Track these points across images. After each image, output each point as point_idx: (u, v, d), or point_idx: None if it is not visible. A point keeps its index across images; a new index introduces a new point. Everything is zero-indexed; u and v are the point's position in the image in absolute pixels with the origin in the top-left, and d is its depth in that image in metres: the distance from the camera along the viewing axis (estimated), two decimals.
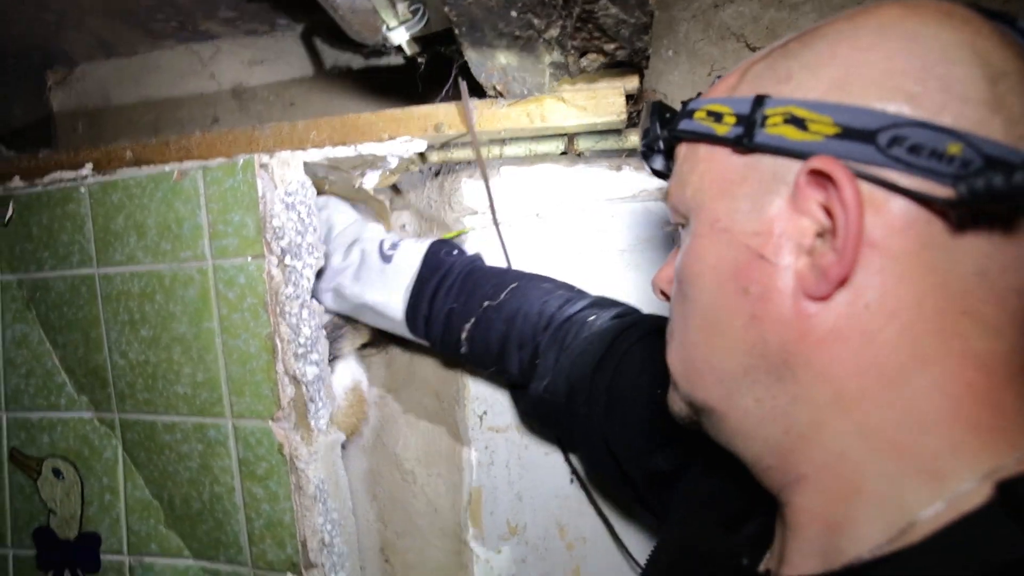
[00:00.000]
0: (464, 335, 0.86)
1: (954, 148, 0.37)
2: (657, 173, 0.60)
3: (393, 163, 0.91)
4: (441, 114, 0.86)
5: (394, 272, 0.87)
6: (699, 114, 0.49)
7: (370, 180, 0.96)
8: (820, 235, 0.42)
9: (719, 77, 0.53)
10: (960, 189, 0.37)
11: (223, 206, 0.84)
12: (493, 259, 0.97)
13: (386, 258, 0.88)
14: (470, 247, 1.01)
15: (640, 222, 0.97)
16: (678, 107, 0.55)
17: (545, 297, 0.84)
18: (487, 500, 1.03)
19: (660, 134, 0.57)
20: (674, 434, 0.60)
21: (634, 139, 0.91)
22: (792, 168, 0.42)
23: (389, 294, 0.87)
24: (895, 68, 0.40)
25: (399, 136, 0.87)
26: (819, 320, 0.41)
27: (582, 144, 0.92)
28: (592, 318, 0.80)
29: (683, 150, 0.51)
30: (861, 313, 0.40)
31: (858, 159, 0.40)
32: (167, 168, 0.88)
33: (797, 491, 0.45)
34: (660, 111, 0.59)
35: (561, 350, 0.79)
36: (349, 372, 1.01)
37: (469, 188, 1.02)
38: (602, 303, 0.84)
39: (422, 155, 0.95)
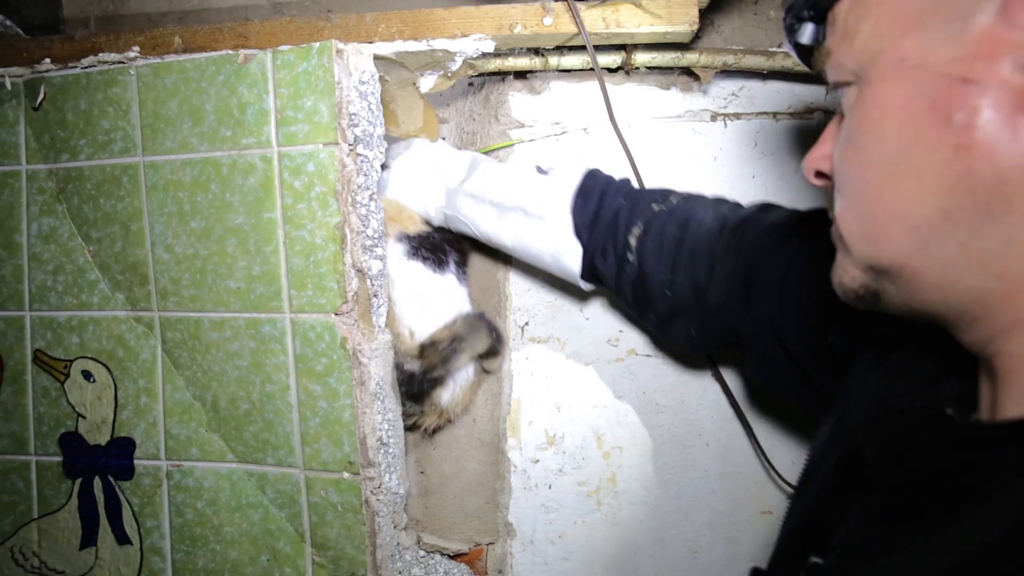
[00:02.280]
0: (633, 240, 0.83)
1: None
2: (801, 51, 0.61)
3: (457, 64, 0.91)
4: (517, 14, 0.86)
5: (557, 179, 0.87)
6: None
7: (426, 83, 0.95)
8: None
9: None
10: None
11: (294, 91, 0.82)
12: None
13: (543, 171, 0.88)
14: (518, 160, 1.02)
15: (686, 143, 1.00)
16: None
17: (716, 204, 0.83)
18: (526, 410, 1.05)
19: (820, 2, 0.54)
20: (847, 311, 0.57)
21: (692, 56, 0.94)
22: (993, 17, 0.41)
23: (552, 195, 0.85)
24: None
25: (471, 34, 0.87)
26: None
27: (639, 58, 0.94)
28: (766, 214, 0.79)
29: (845, 5, 0.52)
30: None
31: None
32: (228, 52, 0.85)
33: (1012, 338, 0.43)
34: None
35: (739, 252, 0.77)
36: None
37: (517, 101, 1.02)
38: (770, 207, 0.82)
39: (473, 64, 0.95)
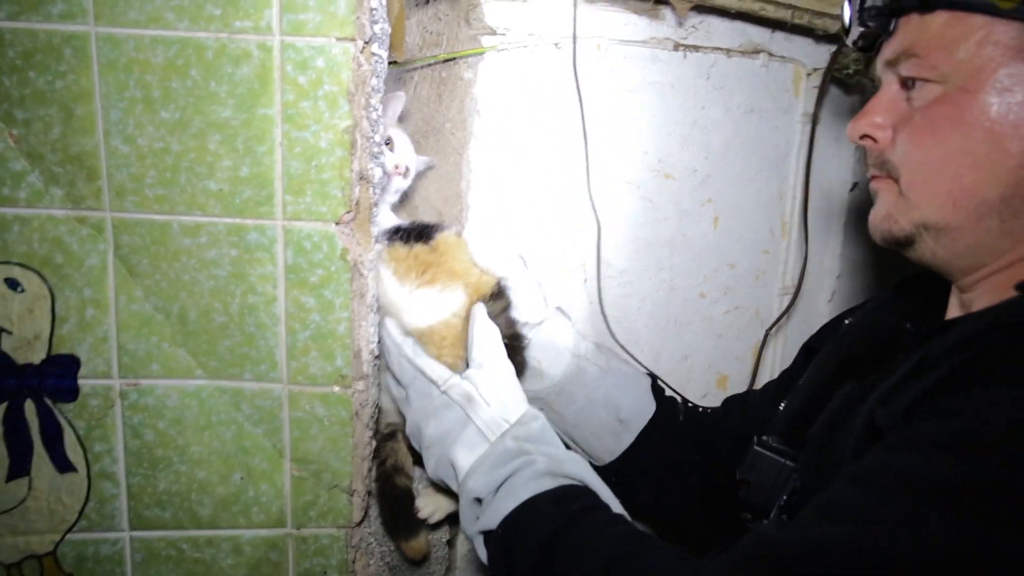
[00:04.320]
0: None
1: None
2: (865, 35, 0.70)
3: None
4: None
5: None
6: None
7: None
8: None
9: None
10: None
11: None
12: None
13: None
14: (488, 68, 1.00)
15: (648, 68, 1.05)
16: None
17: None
18: None
19: (905, 4, 0.65)
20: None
21: None
22: None
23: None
24: None
25: None
26: None
27: None
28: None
29: (942, 17, 0.62)
30: None
31: None
32: None
33: (987, 284, 0.64)
34: None
35: None
36: None
37: (491, 7, 0.99)
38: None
39: None
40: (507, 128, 1.02)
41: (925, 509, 0.51)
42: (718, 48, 1.06)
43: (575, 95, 1.02)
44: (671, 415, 0.95)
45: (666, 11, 1.03)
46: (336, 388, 0.85)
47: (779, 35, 1.07)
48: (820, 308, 1.16)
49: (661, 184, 1.09)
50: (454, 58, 1.00)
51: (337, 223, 0.80)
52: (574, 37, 0.96)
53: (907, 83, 0.67)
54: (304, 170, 0.78)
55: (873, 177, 0.71)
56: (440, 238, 0.86)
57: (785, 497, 0.73)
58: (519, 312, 0.88)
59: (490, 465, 0.74)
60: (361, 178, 0.80)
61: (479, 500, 0.74)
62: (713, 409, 0.99)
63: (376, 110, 0.79)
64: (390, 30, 0.80)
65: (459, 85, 1.01)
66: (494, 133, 1.02)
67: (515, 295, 0.87)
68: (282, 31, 0.75)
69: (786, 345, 1.19)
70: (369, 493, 0.90)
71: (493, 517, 0.71)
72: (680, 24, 1.04)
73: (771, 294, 1.17)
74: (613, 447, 0.93)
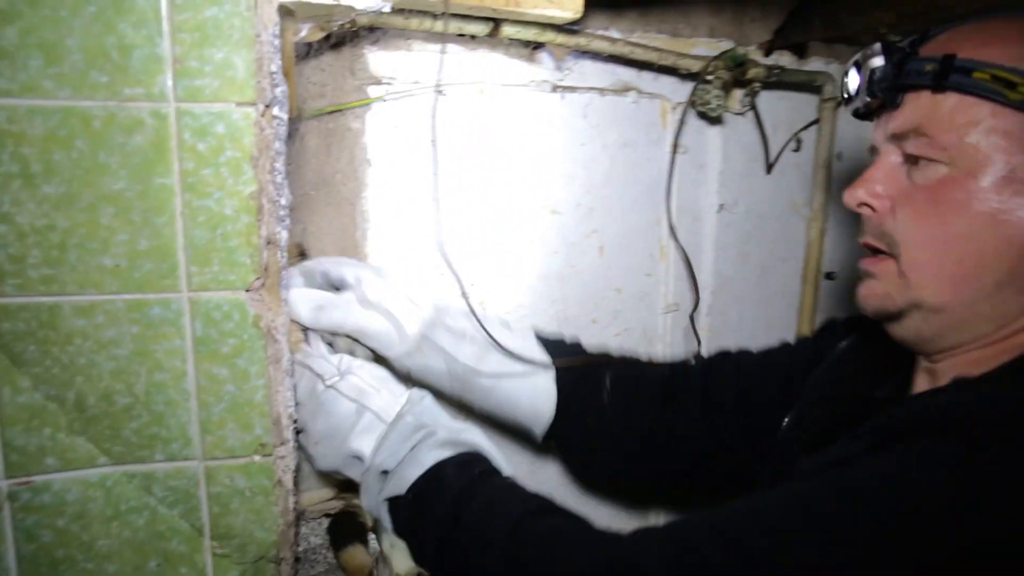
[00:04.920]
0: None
1: None
2: (869, 104, 0.71)
3: (347, 18, 0.86)
4: None
5: None
6: (980, 75, 0.61)
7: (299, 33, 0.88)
8: None
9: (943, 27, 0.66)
10: None
11: (200, 38, 0.70)
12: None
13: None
14: (376, 117, 1.00)
15: (529, 109, 1.10)
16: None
17: None
18: None
19: (929, 79, 0.65)
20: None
21: (550, 35, 1.02)
22: None
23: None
24: None
25: None
26: None
27: (507, 30, 0.99)
28: None
29: (953, 99, 0.63)
30: None
31: None
32: None
33: (958, 355, 0.68)
34: (892, 52, 0.68)
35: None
36: None
37: (375, 57, 1.00)
38: None
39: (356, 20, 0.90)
40: (398, 175, 1.03)
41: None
42: (592, 88, 1.13)
43: (460, 140, 1.05)
44: (587, 402, 0.97)
45: (543, 55, 1.09)
46: (257, 457, 0.82)
47: (646, 74, 1.15)
48: (700, 322, 1.26)
49: (549, 220, 1.14)
50: (341, 109, 0.99)
51: (247, 290, 0.78)
52: (437, 86, 0.99)
53: (911, 159, 0.68)
54: (209, 239, 0.75)
55: (868, 247, 0.73)
56: None
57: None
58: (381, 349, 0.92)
59: (394, 440, 0.81)
60: (269, 243, 0.78)
61: (385, 472, 0.80)
62: (691, 364, 1.03)
63: (280, 173, 0.77)
64: (288, 91, 0.79)
65: (348, 135, 1.01)
66: (386, 181, 1.03)
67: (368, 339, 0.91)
68: (177, 97, 0.72)
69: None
70: (297, 559, 0.88)
71: (401, 483, 0.78)
72: (558, 68, 1.09)
73: (655, 314, 1.25)
74: (535, 434, 0.99)
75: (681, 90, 1.17)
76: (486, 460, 0.82)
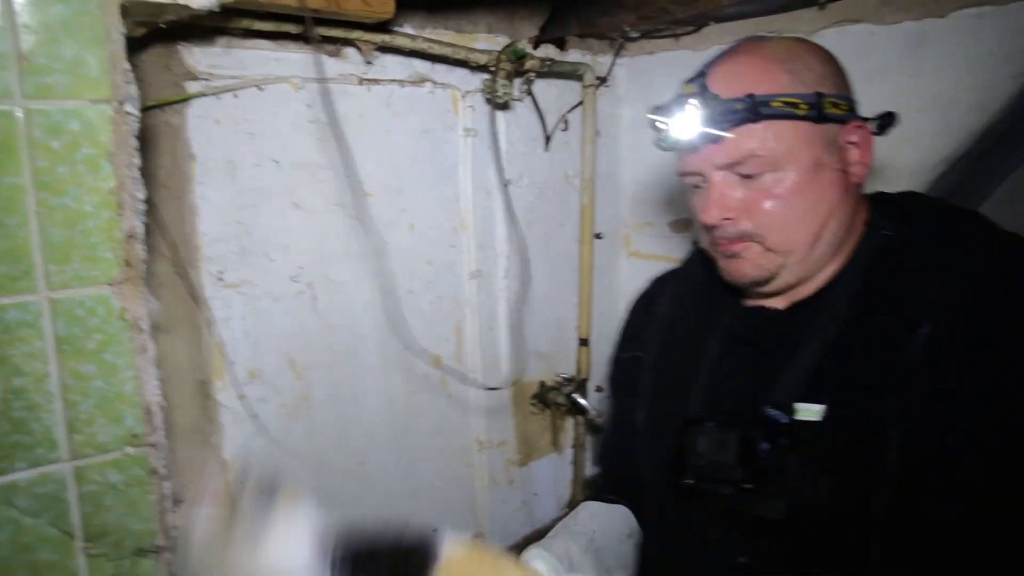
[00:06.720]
0: None
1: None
2: (675, 141, 0.89)
3: (172, 16, 0.88)
4: None
5: None
6: (776, 104, 0.83)
7: None
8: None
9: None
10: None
11: (49, 36, 0.70)
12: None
13: None
14: (196, 112, 1.02)
15: (340, 100, 1.17)
16: None
17: None
18: (228, 352, 1.10)
19: (746, 115, 0.83)
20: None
21: (358, 33, 1.11)
22: (837, 128, 0.86)
23: None
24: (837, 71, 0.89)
25: None
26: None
27: (320, 30, 1.07)
28: None
29: (764, 124, 0.83)
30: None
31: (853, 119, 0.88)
32: None
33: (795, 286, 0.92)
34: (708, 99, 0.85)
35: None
36: None
37: (190, 53, 1.02)
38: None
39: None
40: (225, 168, 1.06)
41: None
42: (394, 80, 1.24)
43: (279, 132, 1.11)
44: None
45: (350, 51, 1.17)
46: (129, 449, 0.83)
47: (440, 67, 1.29)
48: (499, 284, 1.45)
49: (365, 202, 1.24)
50: (159, 105, 1.00)
51: (111, 284, 0.79)
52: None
53: (746, 176, 0.87)
54: (68, 236, 0.75)
55: (730, 242, 0.90)
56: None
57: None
58: None
59: None
60: (130, 237, 0.79)
61: None
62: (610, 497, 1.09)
63: (137, 167, 0.79)
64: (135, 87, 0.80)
65: (168, 131, 1.02)
66: (212, 174, 1.05)
67: None
68: (25, 95, 0.71)
69: (480, 324, 1.44)
70: (173, 548, 0.90)
71: None
72: (365, 62, 1.19)
73: (462, 280, 1.41)
74: None
75: (470, 80, 1.33)
76: None
